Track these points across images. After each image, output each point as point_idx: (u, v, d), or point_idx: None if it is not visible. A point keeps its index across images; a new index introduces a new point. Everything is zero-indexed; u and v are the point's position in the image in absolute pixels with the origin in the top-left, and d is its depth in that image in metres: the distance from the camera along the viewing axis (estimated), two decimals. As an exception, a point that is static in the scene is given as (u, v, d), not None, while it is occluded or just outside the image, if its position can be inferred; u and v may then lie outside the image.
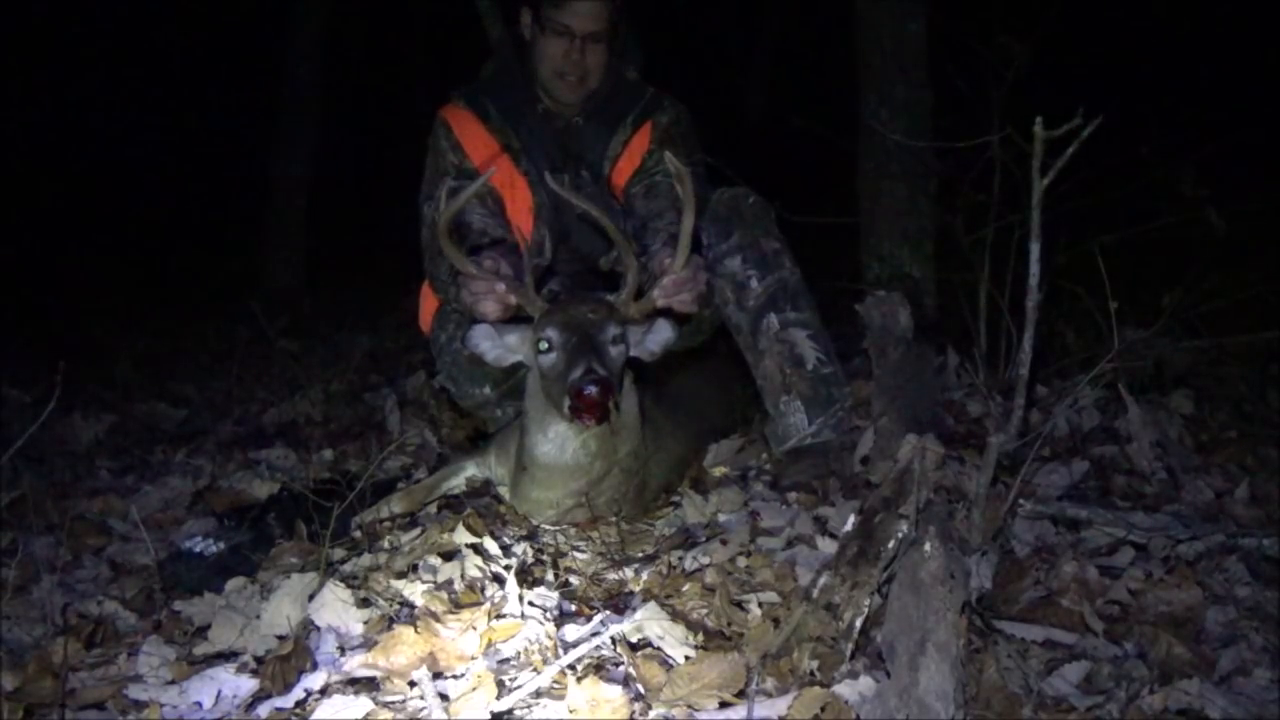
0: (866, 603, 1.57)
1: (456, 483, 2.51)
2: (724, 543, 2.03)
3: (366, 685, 1.54)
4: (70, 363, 2.18)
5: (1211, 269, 3.13)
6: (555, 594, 1.83)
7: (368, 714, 1.44)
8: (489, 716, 1.42)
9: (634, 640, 1.63)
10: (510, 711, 1.44)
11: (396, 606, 1.79)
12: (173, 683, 1.58)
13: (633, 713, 1.44)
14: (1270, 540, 1.82)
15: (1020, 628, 1.61)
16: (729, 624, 1.70)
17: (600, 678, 1.49)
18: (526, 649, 1.61)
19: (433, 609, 1.70)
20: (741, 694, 1.47)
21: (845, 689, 1.44)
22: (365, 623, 1.73)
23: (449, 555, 2.01)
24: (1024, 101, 2.50)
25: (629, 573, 1.97)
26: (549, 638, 1.64)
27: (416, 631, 1.61)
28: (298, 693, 1.50)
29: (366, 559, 2.02)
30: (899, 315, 2.61)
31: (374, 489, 2.37)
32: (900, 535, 1.61)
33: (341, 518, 2.14)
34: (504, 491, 2.42)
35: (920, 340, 2.67)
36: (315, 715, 1.45)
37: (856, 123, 3.65)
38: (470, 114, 2.67)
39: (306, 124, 6.43)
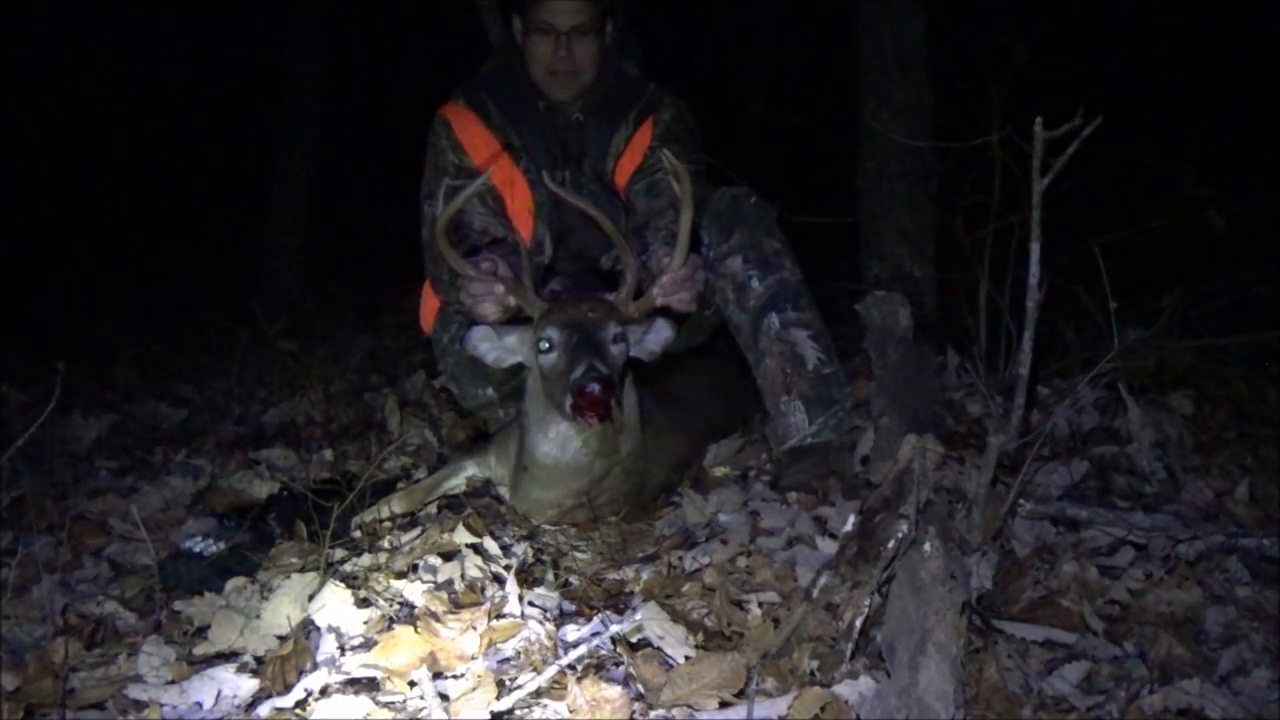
0: (866, 603, 1.57)
1: (456, 483, 2.51)
2: (724, 543, 2.02)
3: (366, 685, 1.54)
4: (70, 363, 2.18)
5: (1211, 269, 3.13)
6: (555, 594, 1.84)
7: (368, 714, 1.44)
8: (489, 716, 1.42)
9: (634, 640, 1.63)
10: (510, 711, 1.44)
11: (396, 606, 1.79)
12: (173, 683, 1.58)
13: (633, 713, 1.44)
14: (1270, 540, 1.82)
15: (1020, 628, 1.61)
16: (729, 624, 1.70)
17: (600, 678, 1.49)
18: (526, 649, 1.61)
19: (433, 609, 1.70)
20: (741, 694, 1.47)
21: (845, 689, 1.44)
22: (365, 623, 1.73)
23: (449, 555, 2.01)
24: (1024, 101, 2.50)
25: (629, 573, 1.97)
26: (549, 638, 1.64)
27: (416, 631, 1.62)
28: (298, 693, 1.50)
29: (366, 559, 2.02)
30: (899, 315, 2.61)
31: (374, 489, 2.37)
32: (900, 535, 1.61)
33: (341, 518, 2.14)
34: (504, 491, 2.42)
35: (920, 340, 2.67)
36: (315, 715, 1.45)
37: (856, 123, 3.65)
38: (471, 112, 2.67)
39: (306, 124, 6.42)
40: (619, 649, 1.59)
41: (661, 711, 1.45)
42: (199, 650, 1.69)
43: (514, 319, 2.22)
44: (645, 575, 1.93)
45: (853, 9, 3.63)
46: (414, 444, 2.93)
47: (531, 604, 1.77)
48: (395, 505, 2.35)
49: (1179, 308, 2.74)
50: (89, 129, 9.06)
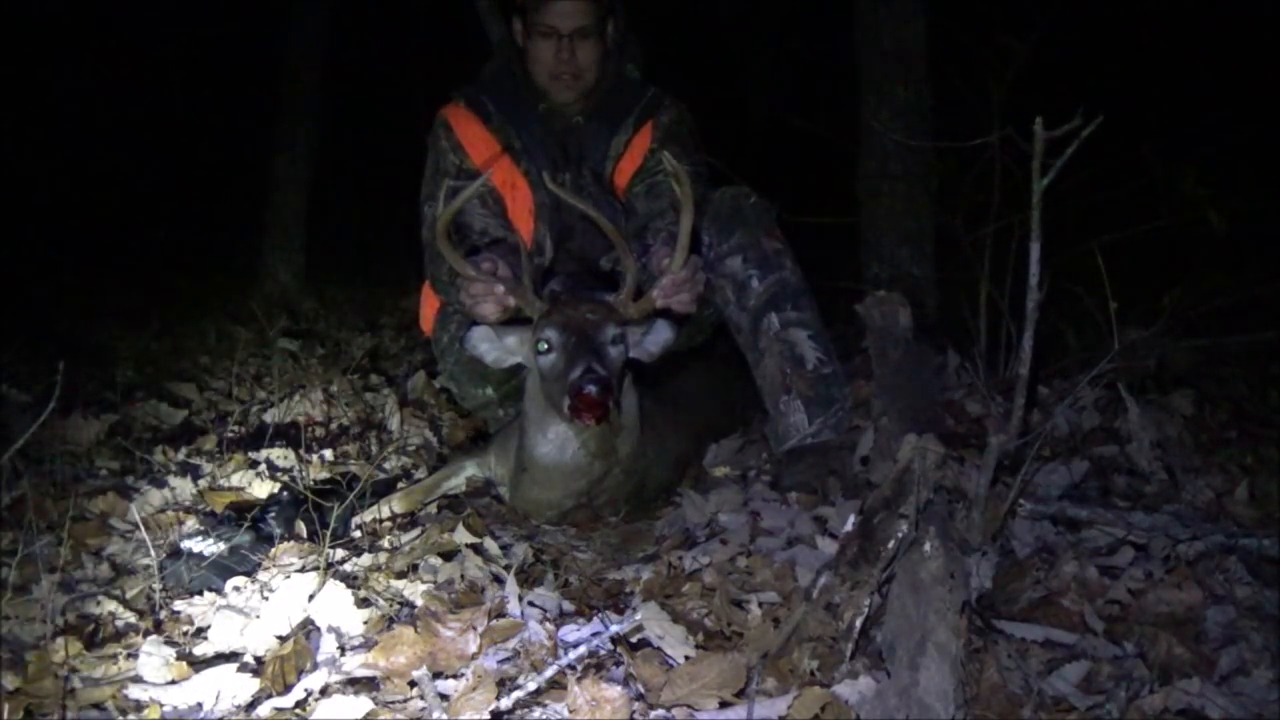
0: (866, 603, 1.57)
1: (456, 483, 2.51)
2: (724, 543, 2.02)
3: (366, 685, 1.54)
4: (70, 363, 2.17)
5: (1211, 269, 3.13)
6: (555, 594, 1.84)
7: (368, 714, 1.44)
8: (489, 716, 1.42)
9: (634, 640, 1.63)
10: (510, 711, 1.44)
11: (396, 606, 1.79)
12: (173, 683, 1.58)
13: (633, 713, 1.44)
14: (1270, 540, 1.82)
15: (1020, 628, 1.61)
16: (729, 624, 1.70)
17: (600, 678, 1.49)
18: (526, 649, 1.61)
19: (433, 609, 1.70)
20: (741, 694, 1.47)
21: (845, 689, 1.44)
22: (365, 623, 1.73)
23: (449, 555, 2.01)
24: (1024, 101, 2.50)
25: (629, 573, 1.97)
26: (549, 638, 1.64)
27: (416, 631, 1.62)
28: (298, 693, 1.50)
29: (366, 559, 2.02)
30: (899, 315, 2.61)
31: (374, 489, 2.37)
32: (900, 535, 1.61)
33: (341, 518, 2.14)
34: (504, 491, 2.43)
35: (920, 340, 2.67)
36: (315, 715, 1.45)
37: (856, 123, 3.65)
38: (471, 114, 2.67)
39: (306, 124, 6.42)
40: (619, 649, 1.59)
41: (661, 711, 1.45)
42: (199, 650, 1.69)
43: (514, 319, 2.23)
44: (645, 575, 1.93)
45: (853, 9, 3.63)
46: (414, 444, 2.93)
47: (531, 604, 1.77)
48: (395, 505, 2.35)
49: (1179, 308, 2.73)
50: (89, 129, 9.06)
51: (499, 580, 1.89)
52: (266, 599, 1.80)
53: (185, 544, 2.14)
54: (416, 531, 2.18)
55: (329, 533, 2.00)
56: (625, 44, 2.75)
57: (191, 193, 8.99)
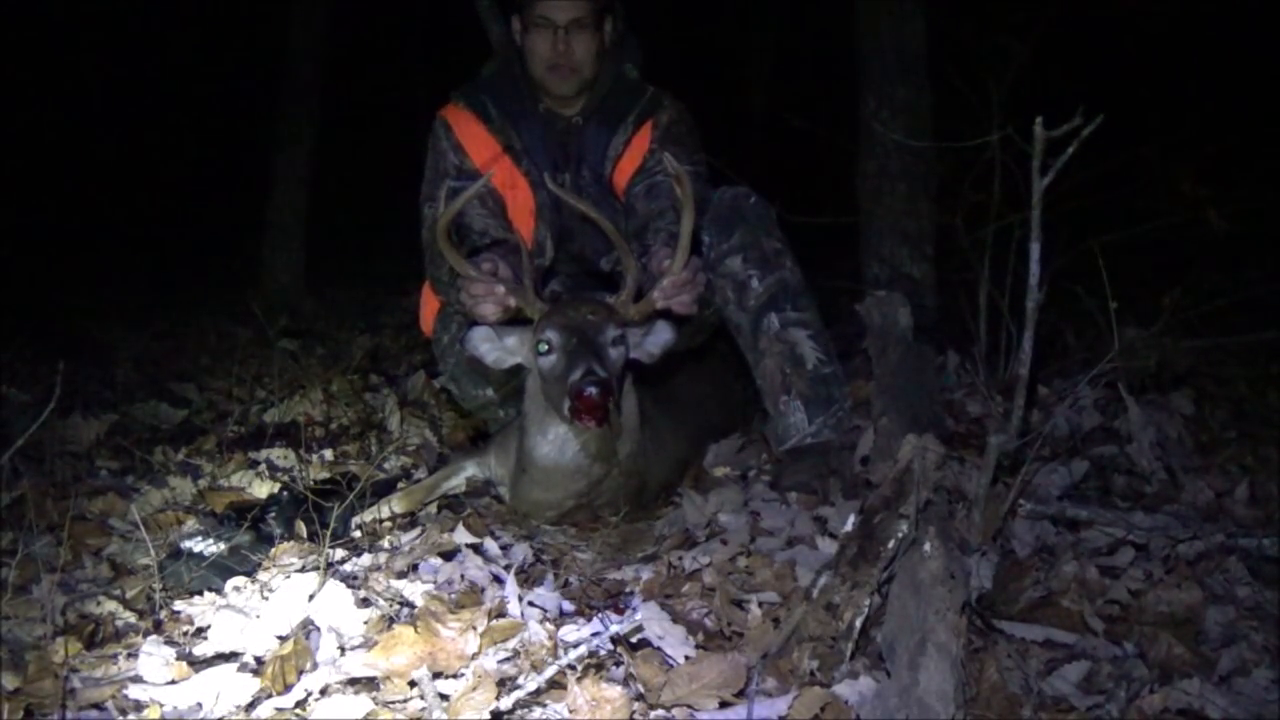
0: (866, 603, 1.57)
1: (456, 483, 2.51)
2: (724, 543, 2.02)
3: (366, 685, 1.54)
4: (70, 363, 2.18)
5: (1211, 269, 3.13)
6: (555, 594, 1.83)
7: (368, 714, 1.44)
8: (489, 716, 1.42)
9: (634, 640, 1.63)
10: (510, 711, 1.44)
11: (396, 606, 1.79)
12: (173, 683, 1.58)
13: (633, 713, 1.44)
14: (1270, 540, 1.82)
15: (1020, 628, 1.61)
16: (729, 624, 1.70)
17: (600, 678, 1.49)
18: (526, 649, 1.61)
19: (433, 609, 1.70)
20: (741, 694, 1.47)
21: (845, 689, 1.44)
22: (365, 623, 1.73)
23: (449, 555, 2.01)
24: (1024, 101, 2.50)
25: (629, 573, 1.97)
26: (549, 638, 1.64)
27: (416, 631, 1.62)
28: (298, 693, 1.50)
29: (366, 559, 2.02)
30: (899, 315, 2.61)
31: (374, 489, 2.37)
32: (900, 535, 1.61)
33: (341, 518, 2.14)
34: (504, 492, 2.43)
35: (920, 340, 2.67)
36: (315, 715, 1.45)
37: (856, 123, 3.65)
38: (471, 114, 2.67)
39: (306, 124, 6.42)
40: (619, 649, 1.59)
41: (661, 711, 1.45)
42: (199, 650, 1.69)
43: (514, 320, 2.22)
44: (645, 575, 1.93)
45: (853, 9, 3.63)
46: (414, 444, 2.93)
47: (531, 604, 1.77)
48: (395, 505, 2.35)
49: (1179, 308, 2.74)
50: (90, 128, 9.07)
51: (499, 580, 1.89)
52: (266, 599, 1.80)
53: (185, 544, 2.14)
54: (416, 531, 2.18)
55: (329, 533, 2.00)
56: (624, 44, 2.75)
57: (191, 192, 8.99)
